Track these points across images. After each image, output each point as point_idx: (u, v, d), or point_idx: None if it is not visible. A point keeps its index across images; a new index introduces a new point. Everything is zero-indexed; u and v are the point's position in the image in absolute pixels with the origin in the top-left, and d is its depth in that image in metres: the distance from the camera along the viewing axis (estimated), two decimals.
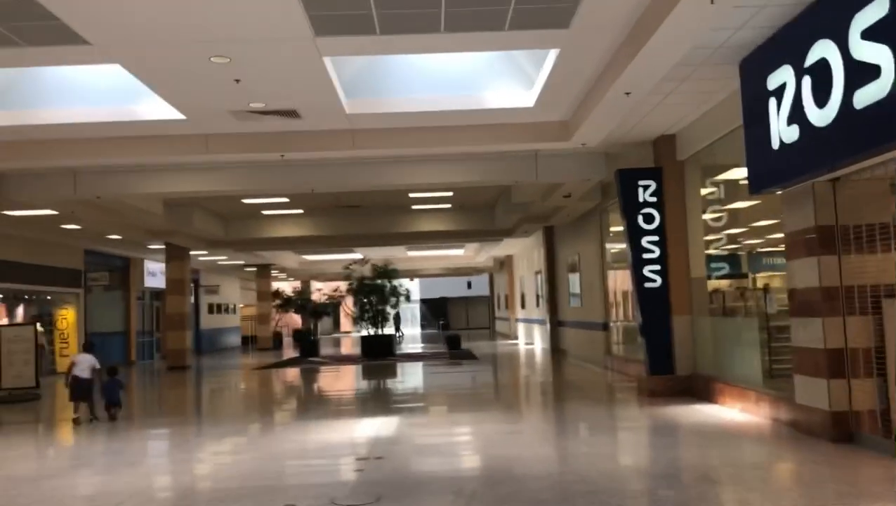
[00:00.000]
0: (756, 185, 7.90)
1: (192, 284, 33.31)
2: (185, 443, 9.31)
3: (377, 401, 12.84)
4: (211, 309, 35.62)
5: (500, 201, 19.10)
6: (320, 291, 35.33)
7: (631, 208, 11.48)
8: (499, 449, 7.67)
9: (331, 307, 27.18)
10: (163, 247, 22.80)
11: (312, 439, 8.89)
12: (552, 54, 8.10)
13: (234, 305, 40.04)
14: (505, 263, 34.85)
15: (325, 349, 31.17)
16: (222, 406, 13.68)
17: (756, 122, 7.78)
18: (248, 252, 25.25)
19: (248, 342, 41.19)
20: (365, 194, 18.16)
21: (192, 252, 24.16)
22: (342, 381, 17.32)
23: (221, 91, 8.61)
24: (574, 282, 19.69)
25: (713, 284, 11.26)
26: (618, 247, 16.41)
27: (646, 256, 11.42)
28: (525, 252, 28.95)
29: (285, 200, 18.13)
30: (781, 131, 7.21)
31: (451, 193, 18.27)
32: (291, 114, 9.61)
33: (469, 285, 53.47)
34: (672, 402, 10.47)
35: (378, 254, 27.14)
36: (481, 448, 7.91)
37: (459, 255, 34.17)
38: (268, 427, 10.40)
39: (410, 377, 17.38)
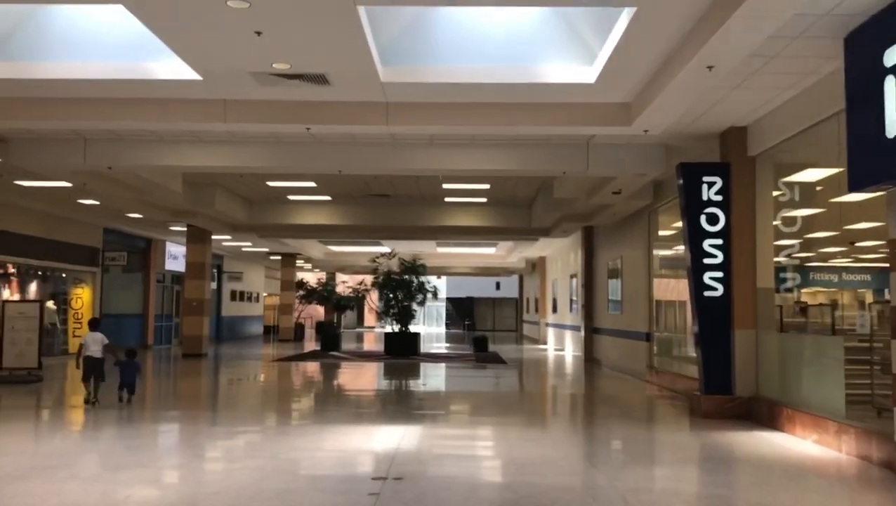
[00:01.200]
0: (858, 180, 6.67)
1: (214, 270, 32.68)
2: (183, 443, 8.30)
3: (398, 405, 11.76)
4: (233, 296, 34.88)
5: (539, 197, 17.92)
6: (345, 283, 34.39)
7: (693, 207, 10.26)
8: (532, 476, 6.53)
9: (355, 301, 26.12)
10: (184, 229, 21.94)
11: (325, 446, 7.82)
12: (624, 17, 6.94)
13: (258, 294, 39.30)
14: (537, 265, 33.63)
15: (348, 344, 30.21)
16: (232, 401, 12.69)
17: (864, 106, 6.55)
18: (272, 239, 24.32)
19: (271, 332, 40.47)
20: (396, 183, 17.11)
21: (214, 236, 23.29)
22: (363, 379, 16.28)
23: (241, 46, 7.55)
24: (614, 288, 18.46)
25: None
26: (666, 252, 15.20)
27: (707, 261, 10.19)
28: (560, 254, 27.73)
29: (312, 184, 17.13)
30: None
31: (487, 186, 17.15)
32: (320, 79, 8.53)
33: (497, 286, 52.32)
34: (730, 426, 9.26)
35: (406, 248, 26.10)
36: (513, 474, 6.76)
37: (490, 253, 33.05)
38: (277, 429, 9.36)
39: (434, 380, 16.30)
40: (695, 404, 10.34)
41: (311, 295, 29.54)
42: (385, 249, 25.76)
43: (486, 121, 9.18)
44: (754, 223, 10.10)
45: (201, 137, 11.14)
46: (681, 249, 14.16)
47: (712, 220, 10.21)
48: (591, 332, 21.08)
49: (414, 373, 17.40)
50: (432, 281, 24.47)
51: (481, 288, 53.67)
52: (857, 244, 18.51)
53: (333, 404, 12.01)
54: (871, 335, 8.55)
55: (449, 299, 57.04)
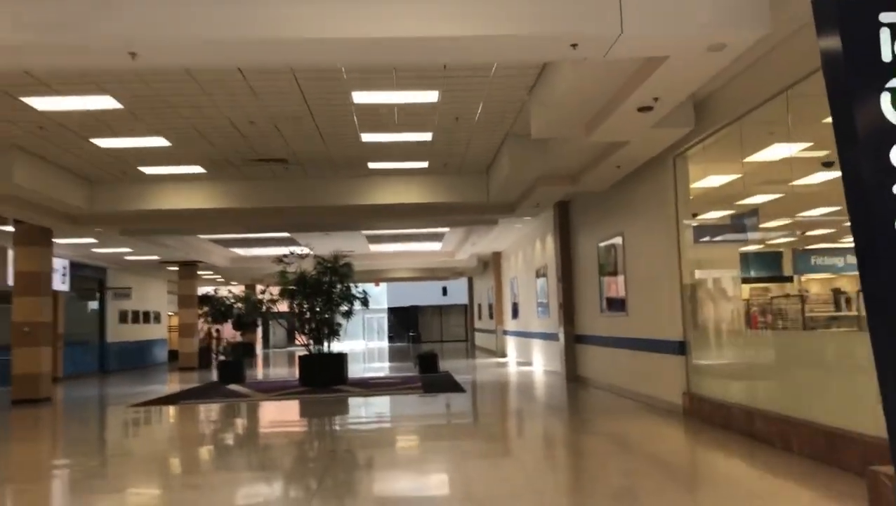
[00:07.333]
0: None
1: (96, 286, 26.49)
2: None
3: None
4: (123, 318, 28.57)
5: (504, 149, 12.38)
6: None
7: (861, 83, 4.90)
8: None
9: (260, 315, 20.01)
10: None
11: None
12: None
13: (159, 313, 32.97)
14: (491, 263, 28.23)
15: (271, 369, 24.39)
16: None
17: None
18: (142, 237, 18.34)
19: (178, 357, 34.21)
20: (292, 139, 11.44)
21: (59, 239, 17.27)
22: (248, 437, 10.52)
23: None
24: (611, 279, 13.14)
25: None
26: (704, 218, 10.01)
27: None
28: (520, 246, 22.42)
29: (165, 142, 11.38)
30: None
31: (428, 137, 11.67)
32: None
33: (444, 292, 46.86)
34: None
35: (329, 247, 20.44)
36: None
37: (435, 251, 27.59)
38: None
39: (360, 434, 10.64)
40: (882, 495, 4.95)
41: (214, 312, 23.34)
42: (305, 250, 19.86)
43: None
44: None
45: None
46: (723, 212, 8.89)
47: None
48: (574, 340, 15.78)
49: (333, 414, 11.72)
50: (363, 287, 18.66)
51: (426, 295, 48.23)
52: None
53: None
54: None
55: (391, 310, 51.53)
